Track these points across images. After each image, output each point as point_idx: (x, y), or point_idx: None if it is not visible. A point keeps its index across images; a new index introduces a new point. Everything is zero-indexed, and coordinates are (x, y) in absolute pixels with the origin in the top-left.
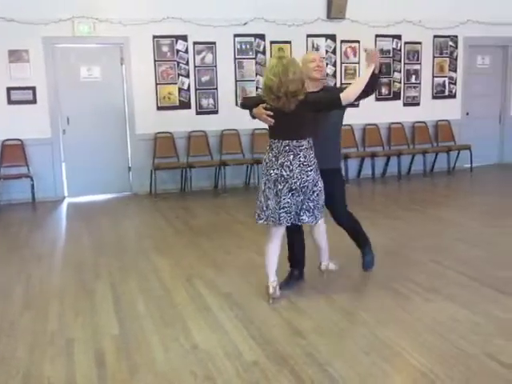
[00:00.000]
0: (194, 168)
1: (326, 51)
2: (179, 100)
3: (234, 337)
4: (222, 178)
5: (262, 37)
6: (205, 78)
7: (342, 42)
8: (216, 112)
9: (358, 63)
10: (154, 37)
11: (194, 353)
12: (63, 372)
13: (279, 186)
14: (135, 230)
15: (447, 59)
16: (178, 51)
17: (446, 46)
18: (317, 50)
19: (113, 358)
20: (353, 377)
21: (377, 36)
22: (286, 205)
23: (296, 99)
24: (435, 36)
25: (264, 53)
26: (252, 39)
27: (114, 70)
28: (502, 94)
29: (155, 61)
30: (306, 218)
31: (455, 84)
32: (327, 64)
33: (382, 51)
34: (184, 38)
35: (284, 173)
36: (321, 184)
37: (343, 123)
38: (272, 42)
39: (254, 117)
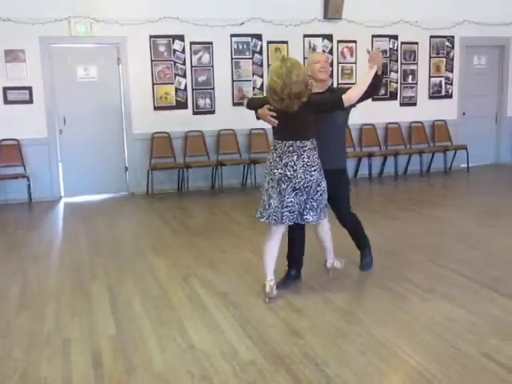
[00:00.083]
0: (190, 168)
1: (323, 51)
2: (176, 100)
3: (230, 336)
4: (218, 178)
5: (258, 37)
6: (202, 78)
7: (338, 42)
8: (213, 112)
9: (355, 63)
10: (151, 37)
11: (190, 352)
12: (60, 372)
13: (283, 186)
14: (132, 230)
15: (444, 59)
16: (174, 51)
17: (442, 46)
18: (314, 50)
19: (109, 358)
20: (349, 376)
21: (373, 36)
22: (290, 204)
23: (299, 101)
24: (432, 36)
25: (261, 53)
26: (249, 39)
27: (110, 69)
28: (499, 94)
29: (152, 61)
30: (309, 217)
31: (452, 84)
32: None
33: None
34: (181, 37)
35: (288, 172)
36: (324, 184)
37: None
38: (269, 42)
39: (258, 117)
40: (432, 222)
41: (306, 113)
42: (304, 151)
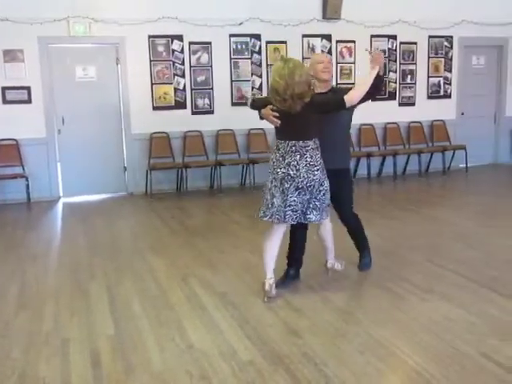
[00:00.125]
0: (189, 168)
1: (322, 51)
2: (175, 100)
3: (229, 336)
4: (217, 178)
5: (257, 37)
6: (200, 78)
7: (337, 42)
8: (212, 112)
9: (354, 63)
10: (150, 37)
11: (189, 352)
12: (58, 372)
13: (286, 185)
14: (131, 230)
15: (442, 59)
16: (173, 51)
17: (441, 46)
18: (313, 50)
19: (108, 358)
20: (348, 376)
21: (372, 36)
22: (293, 203)
23: (302, 101)
24: (430, 36)
25: (260, 53)
26: (248, 39)
27: (109, 69)
28: (497, 94)
29: (151, 61)
30: (312, 216)
31: (450, 84)
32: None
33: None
34: (179, 37)
35: (291, 172)
36: (327, 183)
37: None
38: (268, 42)
39: (262, 117)
40: (431, 222)
41: (309, 113)
42: (307, 151)
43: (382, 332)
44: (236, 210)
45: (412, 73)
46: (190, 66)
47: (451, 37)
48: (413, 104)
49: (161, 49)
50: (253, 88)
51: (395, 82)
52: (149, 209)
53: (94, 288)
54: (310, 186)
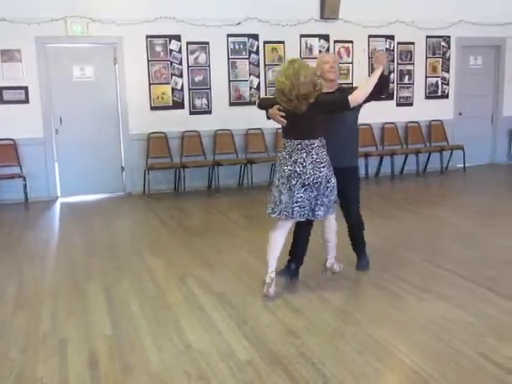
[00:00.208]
0: (187, 168)
1: (320, 51)
2: (172, 100)
3: (227, 336)
4: (215, 178)
5: (255, 37)
6: (198, 78)
7: (335, 42)
8: (209, 112)
9: (352, 63)
10: (148, 36)
11: (187, 352)
12: (56, 372)
13: (293, 182)
14: (129, 230)
15: (440, 59)
16: (171, 51)
17: (438, 47)
18: (311, 50)
19: (106, 359)
20: (346, 376)
21: (370, 36)
22: (300, 199)
23: (307, 101)
24: (428, 36)
25: (257, 53)
26: (245, 39)
27: (107, 69)
28: (495, 94)
29: (148, 61)
30: (320, 212)
31: (448, 84)
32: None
33: (374, 51)
34: (177, 37)
35: (297, 169)
36: (334, 180)
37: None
38: (265, 42)
39: (269, 117)
40: (429, 222)
41: (314, 113)
42: (312, 148)
43: (380, 332)
44: (234, 210)
45: (410, 73)
46: (188, 66)
47: (449, 37)
48: (410, 104)
49: (158, 49)
50: (251, 88)
51: (393, 82)
52: (147, 209)
53: (91, 288)
54: (316, 182)
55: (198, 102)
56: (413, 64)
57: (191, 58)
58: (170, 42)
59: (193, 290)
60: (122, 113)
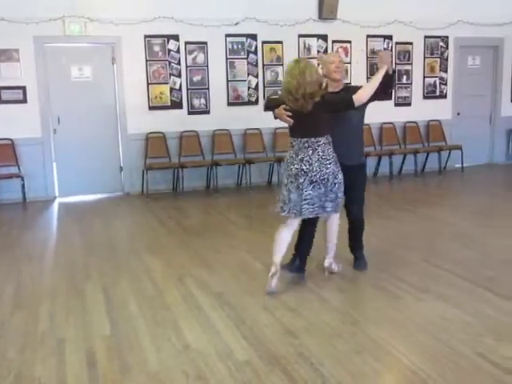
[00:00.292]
0: (185, 168)
1: (318, 51)
2: (171, 100)
3: (225, 336)
4: (213, 178)
5: (253, 37)
6: (196, 78)
7: (333, 42)
8: (208, 112)
9: (350, 63)
10: (146, 36)
11: (185, 352)
12: (54, 372)
13: (300, 180)
14: (127, 230)
15: (438, 59)
16: (169, 51)
17: (436, 47)
18: (309, 50)
19: (104, 358)
20: (344, 376)
21: (368, 36)
22: (308, 197)
23: (313, 100)
24: (426, 36)
25: (256, 53)
26: (244, 39)
27: (105, 69)
28: (493, 95)
29: (147, 60)
30: (329, 208)
31: (446, 84)
32: (319, 64)
33: (372, 51)
34: (175, 37)
35: (304, 167)
36: (341, 176)
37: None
38: (264, 42)
39: (276, 117)
40: (427, 222)
41: (320, 112)
42: (318, 146)
43: (378, 332)
44: (232, 209)
45: (408, 73)
46: (186, 66)
47: (447, 37)
48: (409, 104)
49: (157, 48)
50: (249, 88)
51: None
52: (145, 209)
53: (89, 288)
54: (323, 179)
55: (196, 102)
56: (411, 64)
57: (189, 57)
58: (168, 42)
59: (191, 290)
60: (121, 113)
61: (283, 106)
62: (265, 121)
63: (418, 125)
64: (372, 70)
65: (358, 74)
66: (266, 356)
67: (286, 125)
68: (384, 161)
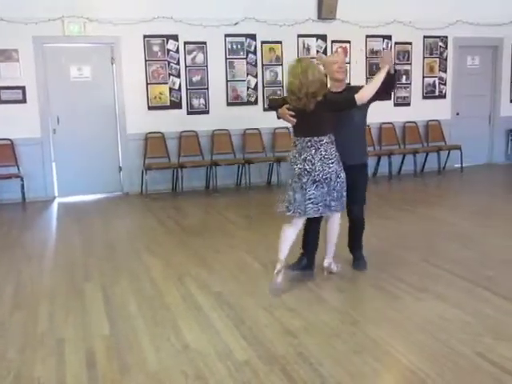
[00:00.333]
0: (185, 168)
1: (317, 51)
2: (170, 100)
3: (225, 336)
4: (213, 178)
5: (253, 37)
6: (196, 78)
7: (332, 42)
8: (207, 112)
9: (349, 63)
10: (145, 36)
11: (185, 352)
12: (54, 372)
13: (303, 180)
14: (126, 230)
15: (437, 59)
16: (168, 51)
17: (436, 47)
18: (308, 50)
19: (104, 358)
20: (344, 376)
21: (367, 36)
22: (312, 196)
23: (315, 99)
24: (425, 36)
25: (255, 53)
26: (243, 39)
27: (104, 69)
28: (492, 95)
29: (146, 60)
30: (333, 206)
31: (445, 84)
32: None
33: (372, 51)
34: (175, 37)
35: (307, 167)
36: (343, 175)
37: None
38: (263, 42)
39: (279, 117)
40: (426, 222)
41: (322, 111)
42: (321, 145)
43: (377, 332)
44: (231, 209)
45: (407, 73)
46: (186, 66)
47: (446, 37)
48: (408, 104)
49: (156, 48)
50: (248, 88)
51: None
52: (144, 209)
53: (89, 288)
54: (326, 178)
55: (195, 102)
56: (410, 64)
57: (189, 57)
58: (167, 42)
59: (191, 290)
60: (120, 113)
61: (286, 105)
62: (264, 121)
63: (418, 125)
64: (371, 70)
65: (357, 74)
66: (266, 356)
67: (285, 125)
68: (383, 161)
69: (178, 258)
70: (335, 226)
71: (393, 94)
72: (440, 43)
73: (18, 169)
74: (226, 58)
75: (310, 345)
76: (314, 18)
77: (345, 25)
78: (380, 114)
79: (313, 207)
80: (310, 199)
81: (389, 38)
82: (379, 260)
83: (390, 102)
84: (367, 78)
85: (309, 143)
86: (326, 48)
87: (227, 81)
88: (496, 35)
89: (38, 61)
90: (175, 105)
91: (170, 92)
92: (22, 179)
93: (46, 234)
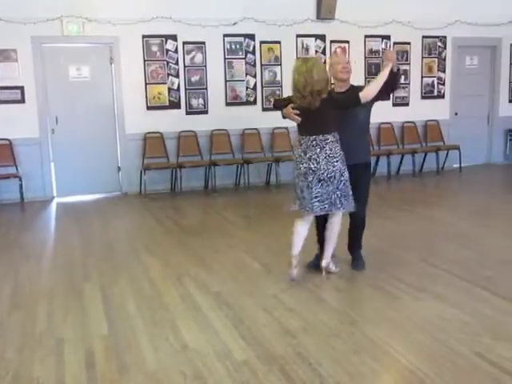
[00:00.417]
0: (184, 168)
1: (316, 51)
2: (169, 100)
3: (223, 336)
4: (212, 178)
5: (251, 37)
6: (194, 78)
7: (331, 42)
8: (206, 112)
9: (348, 63)
10: (144, 36)
11: (183, 352)
12: (53, 372)
13: (309, 178)
14: (125, 230)
15: (436, 59)
16: (167, 51)
17: (434, 47)
18: (307, 50)
19: (102, 358)
20: (342, 376)
21: (366, 36)
22: (318, 194)
23: (320, 97)
24: (424, 36)
25: (254, 53)
26: (242, 39)
27: (103, 69)
28: (491, 95)
29: (145, 60)
30: (339, 204)
31: (444, 84)
32: None
33: (371, 51)
34: (173, 37)
35: (312, 166)
36: (346, 174)
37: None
38: (262, 42)
39: (284, 116)
40: (425, 222)
41: (327, 108)
42: (326, 144)
43: (376, 332)
44: (230, 209)
45: (406, 73)
46: (184, 66)
47: (445, 37)
48: (407, 104)
49: (155, 48)
50: (247, 88)
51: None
52: (143, 209)
53: (88, 288)
54: (331, 176)
55: (194, 102)
56: (409, 64)
57: (187, 57)
58: (166, 42)
59: (189, 290)
60: (119, 113)
61: (291, 104)
62: (263, 121)
63: (416, 125)
64: (370, 70)
65: (356, 74)
66: (264, 356)
67: (284, 125)
68: (382, 161)
69: (176, 257)
70: (336, 225)
71: (392, 93)
72: (439, 43)
73: (17, 169)
74: (225, 58)
75: (308, 345)
76: (313, 17)
77: (344, 25)
78: (379, 114)
79: (319, 205)
80: (316, 197)
81: (388, 38)
82: (378, 260)
83: (389, 102)
84: (366, 79)
85: (314, 142)
86: (324, 48)
87: (226, 81)
88: (494, 35)
89: (36, 61)
90: (174, 105)
91: (169, 92)
92: (20, 179)
93: (45, 234)
